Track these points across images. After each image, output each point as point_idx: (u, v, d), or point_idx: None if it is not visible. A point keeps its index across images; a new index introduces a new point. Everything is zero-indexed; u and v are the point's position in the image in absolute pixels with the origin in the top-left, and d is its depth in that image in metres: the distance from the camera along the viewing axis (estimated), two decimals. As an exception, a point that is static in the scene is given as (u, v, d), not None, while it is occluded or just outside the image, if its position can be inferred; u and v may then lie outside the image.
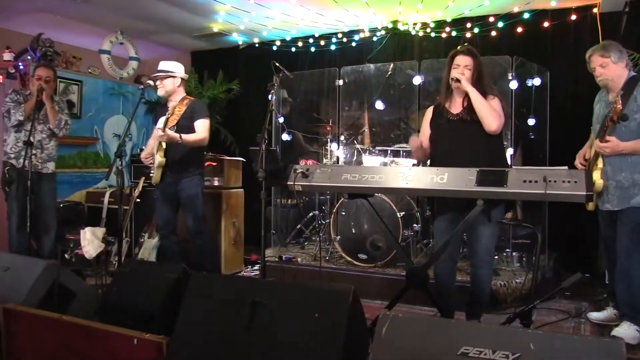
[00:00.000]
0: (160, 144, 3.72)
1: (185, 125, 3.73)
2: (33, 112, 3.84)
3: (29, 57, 5.17)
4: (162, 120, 3.86)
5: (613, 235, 3.09)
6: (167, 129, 3.60)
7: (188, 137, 3.70)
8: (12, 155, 4.06)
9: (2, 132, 4.50)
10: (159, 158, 3.73)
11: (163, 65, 3.90)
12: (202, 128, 3.80)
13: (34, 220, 3.72)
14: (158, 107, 4.61)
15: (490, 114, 2.82)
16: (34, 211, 3.71)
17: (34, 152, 4.00)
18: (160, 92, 3.88)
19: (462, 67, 2.90)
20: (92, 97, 5.80)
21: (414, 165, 4.44)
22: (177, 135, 3.61)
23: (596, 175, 3.02)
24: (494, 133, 2.86)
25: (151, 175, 3.87)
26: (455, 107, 2.99)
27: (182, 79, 3.94)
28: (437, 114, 3.04)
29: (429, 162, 3.19)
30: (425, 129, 3.11)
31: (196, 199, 3.88)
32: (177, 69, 3.92)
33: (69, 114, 4.42)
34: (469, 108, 2.90)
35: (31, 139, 3.66)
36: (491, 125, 2.82)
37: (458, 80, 2.87)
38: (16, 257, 2.80)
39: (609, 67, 3.03)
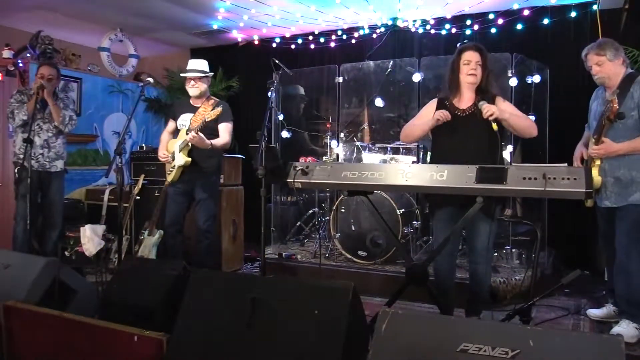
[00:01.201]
0: (186, 143, 3.71)
1: (211, 127, 3.72)
2: (34, 111, 3.84)
3: (28, 55, 5.15)
4: (185, 117, 3.85)
5: (612, 232, 3.09)
6: (200, 133, 3.58)
7: (217, 143, 3.72)
8: (22, 156, 4.06)
9: (6, 132, 4.49)
10: (185, 158, 3.74)
11: (196, 64, 3.86)
12: (226, 132, 3.80)
13: (40, 217, 3.73)
14: (177, 101, 4.59)
15: (529, 123, 2.87)
16: (42, 208, 3.72)
17: (41, 151, 4.02)
18: (195, 92, 3.84)
19: (474, 63, 2.88)
20: (91, 94, 5.80)
21: (413, 162, 4.45)
22: (208, 142, 3.62)
23: (594, 172, 3.01)
24: (534, 136, 2.91)
25: (169, 173, 3.86)
26: (464, 102, 2.96)
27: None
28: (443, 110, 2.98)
29: (429, 157, 3.17)
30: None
31: (212, 198, 3.91)
32: (208, 68, 3.92)
33: (74, 109, 4.43)
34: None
35: (31, 137, 3.66)
36: (533, 132, 2.87)
37: (493, 116, 2.74)
38: (17, 255, 2.81)
39: (605, 65, 3.02)
